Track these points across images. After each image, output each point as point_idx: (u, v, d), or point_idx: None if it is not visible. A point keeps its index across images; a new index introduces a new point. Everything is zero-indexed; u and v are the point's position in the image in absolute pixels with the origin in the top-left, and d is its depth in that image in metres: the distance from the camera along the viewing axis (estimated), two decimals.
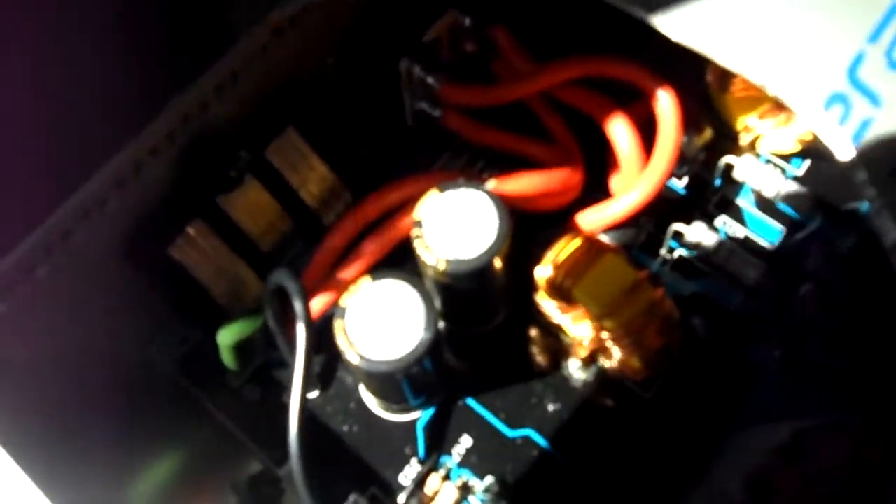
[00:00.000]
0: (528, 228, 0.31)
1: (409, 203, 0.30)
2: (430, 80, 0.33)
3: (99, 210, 0.26)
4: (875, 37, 0.25)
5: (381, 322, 0.26)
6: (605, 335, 0.28)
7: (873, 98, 0.24)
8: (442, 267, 0.27)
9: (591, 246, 0.27)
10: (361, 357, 0.26)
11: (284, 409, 0.30)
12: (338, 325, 0.26)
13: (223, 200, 0.30)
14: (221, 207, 0.30)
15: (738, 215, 0.33)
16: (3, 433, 0.23)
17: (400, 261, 0.30)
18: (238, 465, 0.30)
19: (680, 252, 0.32)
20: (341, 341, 0.26)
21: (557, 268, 0.28)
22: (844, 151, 0.24)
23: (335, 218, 0.33)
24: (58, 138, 0.24)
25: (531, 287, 0.30)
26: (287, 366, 0.31)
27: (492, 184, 0.29)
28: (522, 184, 0.30)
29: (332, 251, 0.31)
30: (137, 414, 0.30)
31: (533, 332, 0.31)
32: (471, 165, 0.35)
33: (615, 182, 0.32)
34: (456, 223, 0.27)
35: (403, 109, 0.34)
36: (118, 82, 0.26)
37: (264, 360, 0.31)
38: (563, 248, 0.28)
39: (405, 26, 0.32)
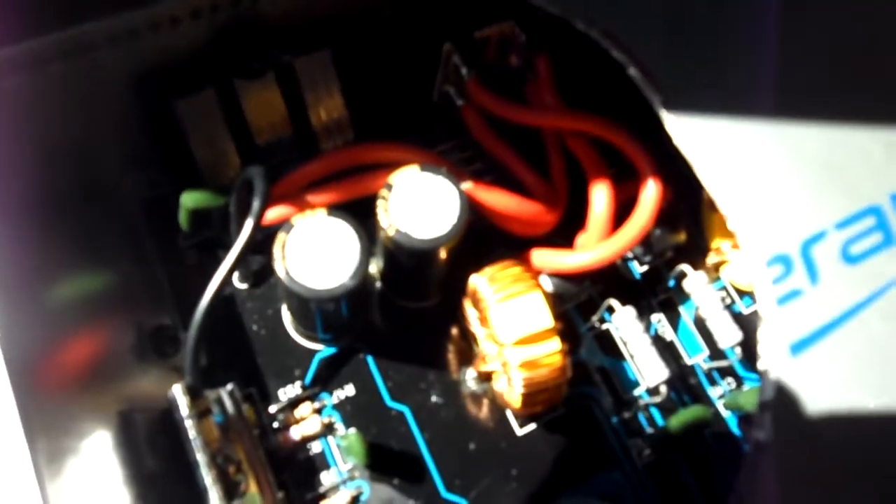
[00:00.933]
0: (492, 239, 0.33)
1: (395, 165, 0.32)
2: (463, 70, 0.34)
3: (128, 39, 0.28)
4: (843, 225, 0.27)
5: (317, 253, 0.28)
6: (503, 361, 0.29)
7: (813, 275, 0.26)
8: (391, 233, 0.28)
9: (526, 277, 0.29)
10: (287, 274, 0.27)
11: (205, 284, 0.33)
12: (280, 237, 0.28)
13: (239, 83, 0.31)
14: (236, 89, 0.31)
15: (674, 321, 0.34)
16: None
17: (363, 215, 0.32)
18: (149, 313, 0.31)
19: (608, 326, 0.34)
20: (276, 253, 0.28)
21: (488, 282, 0.29)
22: (765, 307, 0.25)
23: (331, 147, 0.34)
24: None
25: (463, 291, 0.32)
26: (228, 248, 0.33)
27: (468, 185, 0.31)
28: (496, 199, 0.32)
29: (309, 174, 0.32)
30: (86, 225, 0.32)
31: (451, 329, 0.33)
32: (467, 163, 0.36)
33: (580, 238, 0.33)
34: (420, 202, 0.29)
35: (433, 85, 0.36)
36: None
37: (215, 237, 0.33)
38: (502, 269, 0.29)
39: (465, 14, 0.34)
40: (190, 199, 0.31)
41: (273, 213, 0.31)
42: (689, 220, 0.35)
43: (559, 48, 0.34)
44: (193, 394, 0.27)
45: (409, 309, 0.33)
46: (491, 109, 0.33)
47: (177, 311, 0.32)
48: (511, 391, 0.29)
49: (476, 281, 0.30)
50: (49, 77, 0.28)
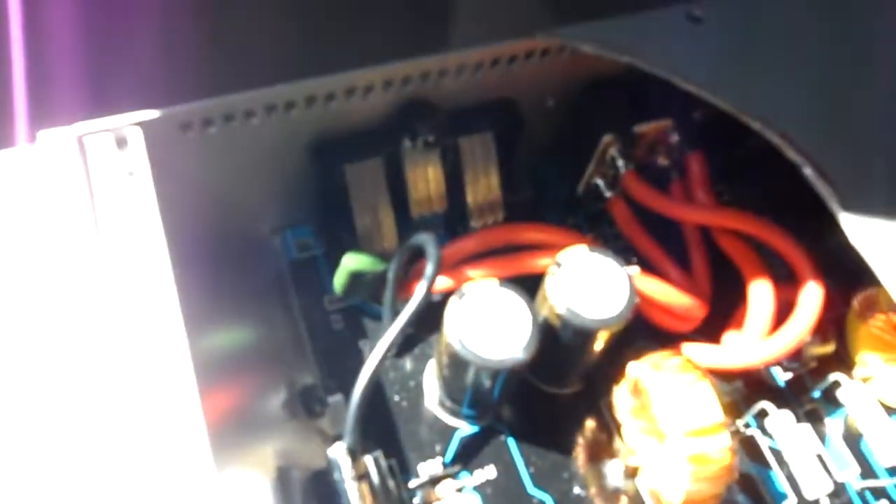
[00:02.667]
0: (633, 329, 0.32)
1: (550, 247, 0.31)
2: (620, 163, 0.34)
3: (323, 102, 0.28)
4: None
5: (488, 322, 0.27)
6: (668, 454, 0.28)
7: None
8: (559, 310, 0.27)
9: (691, 368, 0.28)
10: (459, 341, 0.26)
11: (356, 351, 0.32)
12: (452, 303, 0.27)
13: (408, 155, 0.32)
14: (402, 159, 0.32)
15: (820, 433, 0.32)
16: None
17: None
18: (296, 372, 0.30)
19: (753, 431, 0.32)
20: (448, 319, 0.27)
21: (652, 369, 0.28)
22: None
23: (481, 226, 0.34)
24: (318, 26, 0.26)
25: (613, 378, 0.30)
26: (378, 319, 0.32)
27: (635, 270, 0.30)
28: (654, 287, 0.31)
29: (466, 248, 0.32)
30: (238, 278, 0.31)
31: (591, 419, 0.31)
32: None
33: (730, 335, 0.32)
34: (588, 282, 0.28)
35: (581, 174, 0.36)
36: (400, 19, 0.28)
37: (362, 302, 0.33)
38: (667, 359, 0.28)
39: (628, 108, 0.34)
40: (353, 260, 0.30)
41: (437, 283, 0.30)
42: (834, 329, 0.34)
43: (713, 149, 0.34)
44: (353, 456, 0.26)
45: (549, 394, 0.32)
46: (647, 203, 0.33)
47: (321, 373, 0.31)
48: (671, 488, 0.27)
49: (638, 369, 0.28)
50: (235, 132, 0.28)
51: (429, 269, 0.28)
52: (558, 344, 0.29)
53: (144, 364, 0.22)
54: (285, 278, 0.33)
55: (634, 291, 0.28)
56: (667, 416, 0.27)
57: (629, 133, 0.34)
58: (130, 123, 0.25)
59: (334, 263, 0.31)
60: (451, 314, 0.27)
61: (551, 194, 0.37)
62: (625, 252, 0.36)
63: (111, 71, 0.26)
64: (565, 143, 0.36)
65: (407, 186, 0.32)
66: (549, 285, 0.28)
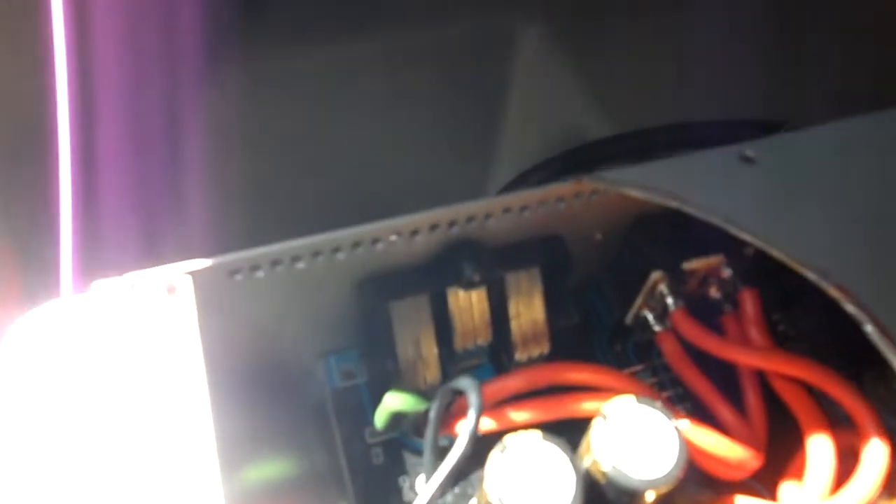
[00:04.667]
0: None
1: (596, 390, 0.30)
2: (669, 299, 0.33)
3: (368, 245, 0.28)
4: None
5: (529, 481, 0.26)
6: None
7: None
8: (605, 468, 0.26)
9: None
10: (499, 500, 0.25)
11: (395, 488, 0.31)
12: (493, 458, 0.26)
13: (453, 293, 0.31)
14: (447, 297, 0.31)
15: None
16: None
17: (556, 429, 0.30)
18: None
19: None
20: (489, 474, 0.26)
21: None
22: None
23: (526, 359, 0.33)
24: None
25: None
26: (419, 454, 0.31)
27: (685, 424, 0.29)
28: (705, 439, 0.29)
29: (509, 387, 0.31)
30: (278, 404, 0.31)
31: None
32: (658, 390, 0.34)
33: (787, 485, 0.30)
34: (634, 437, 0.27)
35: (628, 306, 0.35)
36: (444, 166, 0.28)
37: (402, 435, 0.32)
38: None
39: (677, 244, 0.33)
40: (396, 400, 0.30)
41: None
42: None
43: (769, 286, 0.33)
44: None
45: None
46: (697, 343, 0.32)
47: None
48: None
49: None
50: (281, 275, 0.28)
51: (471, 415, 0.27)
52: (603, 498, 0.27)
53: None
54: (327, 407, 0.33)
55: (685, 449, 0.26)
56: None
57: (678, 269, 0.32)
58: (182, 273, 0.26)
59: (377, 393, 0.31)
60: (492, 470, 0.26)
61: (599, 323, 0.36)
62: (675, 385, 0.35)
63: (160, 221, 0.26)
64: (614, 273, 0.35)
65: (451, 321, 0.32)
66: (594, 440, 0.27)
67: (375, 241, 0.28)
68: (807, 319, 0.36)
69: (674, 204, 0.29)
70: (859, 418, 0.29)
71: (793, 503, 0.29)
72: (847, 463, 0.29)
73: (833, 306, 0.36)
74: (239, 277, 0.27)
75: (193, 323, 0.25)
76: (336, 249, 0.28)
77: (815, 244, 0.28)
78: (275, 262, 0.27)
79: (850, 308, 0.26)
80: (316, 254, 0.28)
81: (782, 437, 0.31)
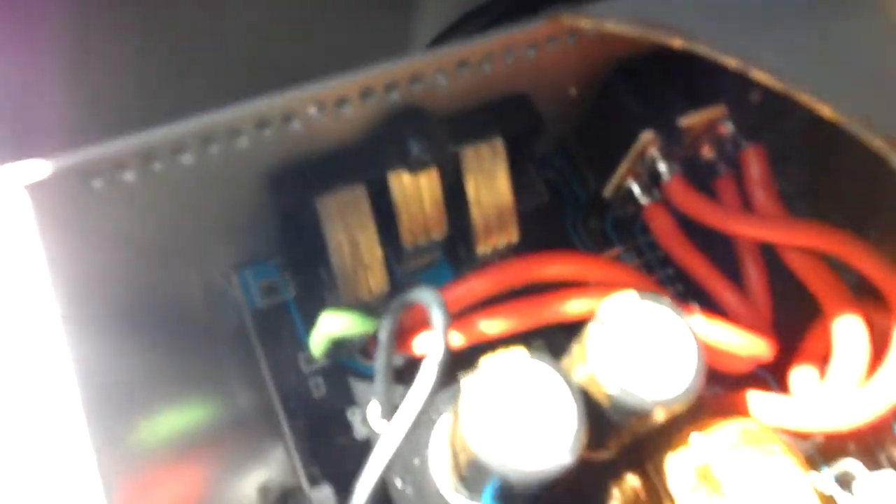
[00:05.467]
0: None
1: (583, 284, 0.25)
2: (662, 166, 0.27)
3: (280, 123, 0.21)
4: None
5: (517, 415, 0.20)
6: None
7: None
8: (610, 391, 0.21)
9: (783, 448, 0.22)
10: (480, 445, 0.20)
11: (345, 425, 0.25)
12: (468, 386, 0.20)
13: (396, 177, 0.24)
14: (390, 184, 0.24)
15: None
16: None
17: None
18: (266, 465, 0.24)
19: (832, 490, 0.26)
20: (464, 412, 0.20)
21: (732, 453, 0.22)
22: None
23: (490, 252, 0.27)
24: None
25: (663, 439, 0.24)
26: (368, 378, 0.25)
27: (699, 321, 0.24)
28: (715, 333, 0.24)
29: (475, 293, 0.25)
30: (187, 340, 0.24)
31: (638, 488, 0.25)
32: (646, 271, 0.29)
33: (799, 373, 0.26)
34: (643, 345, 0.21)
35: (608, 175, 0.29)
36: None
37: (347, 359, 0.26)
38: (746, 434, 0.22)
39: (670, 95, 0.27)
40: (335, 325, 0.23)
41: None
42: None
43: (778, 140, 0.27)
44: None
45: (583, 460, 0.26)
46: (699, 217, 0.26)
47: (300, 458, 0.24)
48: None
49: (709, 449, 0.22)
50: (160, 175, 0.20)
51: (438, 348, 0.21)
52: (601, 417, 0.22)
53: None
54: (247, 334, 0.26)
55: (703, 354, 0.21)
56: None
57: (673, 127, 0.26)
58: (18, 181, 0.18)
59: (310, 309, 0.24)
60: (469, 405, 0.20)
61: (570, 196, 0.30)
62: (664, 266, 0.29)
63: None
64: (588, 136, 0.29)
65: (397, 213, 0.25)
66: (593, 355, 0.21)
67: (288, 117, 0.21)
68: (804, 175, 0.31)
69: (677, 43, 0.22)
70: (891, 291, 0.24)
71: (821, 396, 0.25)
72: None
73: (834, 160, 0.31)
74: (99, 183, 0.19)
75: (36, 245, 0.18)
76: (234, 133, 0.20)
77: (855, 89, 0.22)
78: (147, 158, 0.19)
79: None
80: (206, 141, 0.20)
81: (782, 318, 0.26)
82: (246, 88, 0.19)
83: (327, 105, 0.21)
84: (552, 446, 0.20)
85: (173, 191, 0.21)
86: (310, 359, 0.26)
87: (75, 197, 0.19)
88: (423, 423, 0.26)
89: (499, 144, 0.25)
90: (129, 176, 0.19)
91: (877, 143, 0.21)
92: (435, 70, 0.21)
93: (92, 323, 0.20)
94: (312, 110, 0.21)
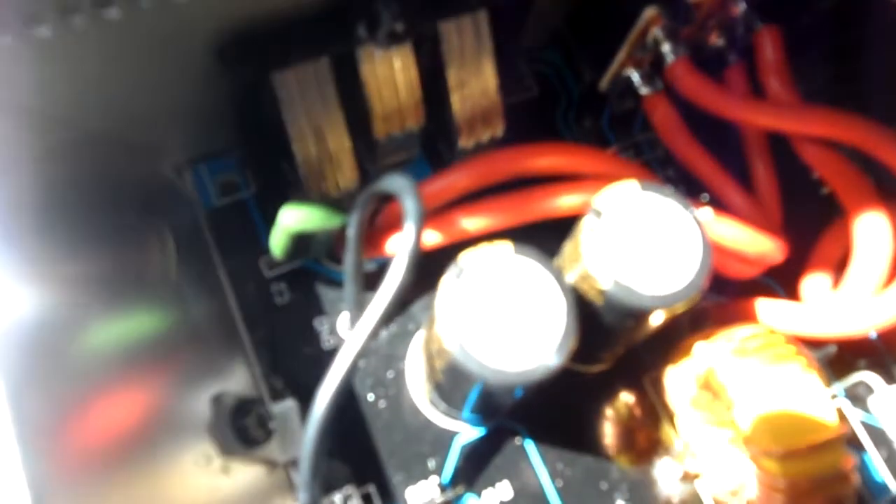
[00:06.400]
0: None
1: (577, 179, 0.22)
2: (666, 47, 0.24)
3: None
4: None
5: (502, 314, 0.18)
6: (749, 473, 0.20)
7: None
8: (604, 286, 0.18)
9: (791, 352, 0.19)
10: (461, 348, 0.17)
11: (309, 334, 0.23)
12: (446, 282, 0.18)
13: (366, 54, 0.21)
14: (358, 61, 0.21)
15: None
16: None
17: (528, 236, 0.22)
18: (224, 377, 0.21)
19: (841, 402, 0.24)
20: (441, 312, 0.18)
21: (736, 355, 0.19)
22: None
23: (472, 146, 0.24)
24: None
25: (659, 347, 0.22)
26: (337, 284, 0.23)
27: (708, 215, 0.21)
28: (725, 232, 0.22)
29: (456, 186, 0.22)
30: (133, 243, 0.22)
31: (636, 402, 0.23)
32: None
33: (813, 280, 0.23)
34: (643, 239, 0.19)
35: (606, 65, 0.26)
36: None
37: (311, 261, 0.23)
38: (754, 339, 0.20)
39: None
40: (295, 219, 0.21)
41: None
42: None
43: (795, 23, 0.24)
44: None
45: (573, 373, 0.24)
46: (706, 104, 0.23)
47: (261, 370, 0.22)
48: None
49: (714, 356, 0.20)
50: (102, 27, 0.17)
51: (408, 236, 0.18)
52: (595, 322, 0.20)
53: None
54: (202, 236, 0.23)
55: (709, 251, 0.19)
56: (762, 428, 0.19)
57: (680, 3, 0.23)
58: None
59: (272, 209, 0.22)
60: (446, 304, 0.18)
61: (563, 93, 0.27)
62: (665, 166, 0.27)
63: None
64: (584, 20, 0.26)
65: (367, 97, 0.22)
66: (586, 247, 0.19)
67: None
68: (827, 66, 0.28)
69: None
70: None
71: (837, 300, 0.22)
72: None
73: (856, 53, 0.28)
74: (7, 39, 0.16)
75: None
76: None
77: None
78: (65, 9, 0.16)
79: None
80: None
81: (792, 222, 0.24)
82: None
83: None
84: (537, 347, 0.18)
85: (99, 54, 0.18)
86: (272, 263, 0.23)
87: None
88: (398, 335, 0.23)
89: (483, 19, 0.22)
90: (43, 30, 0.16)
91: None
92: None
93: (18, 218, 0.17)
94: None
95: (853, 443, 0.24)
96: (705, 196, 0.24)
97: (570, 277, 0.20)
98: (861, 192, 0.22)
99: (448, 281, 0.18)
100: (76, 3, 0.16)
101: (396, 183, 0.19)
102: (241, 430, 0.20)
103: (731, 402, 0.19)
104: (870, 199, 0.22)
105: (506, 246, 0.18)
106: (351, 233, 0.21)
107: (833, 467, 0.18)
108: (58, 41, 0.17)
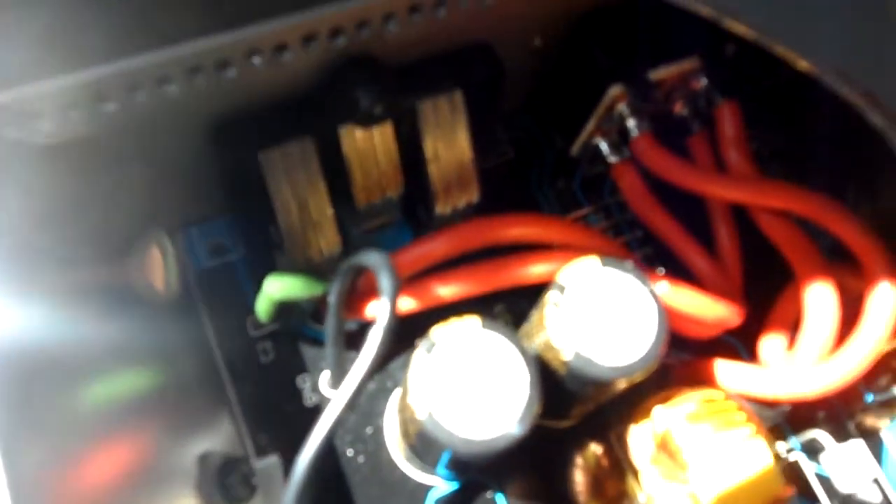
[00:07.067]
0: None
1: (544, 247, 0.23)
2: (631, 122, 0.25)
3: (214, 70, 0.19)
4: None
5: (468, 385, 0.19)
6: None
7: None
8: (566, 357, 0.20)
9: (742, 419, 0.21)
10: (430, 416, 0.19)
11: (293, 392, 0.24)
12: (417, 358, 0.19)
13: (347, 132, 0.23)
14: (340, 138, 0.23)
15: (876, 450, 0.26)
16: None
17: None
18: (209, 434, 0.22)
19: (796, 456, 0.25)
20: (413, 382, 0.19)
21: (689, 422, 0.21)
22: None
23: (449, 213, 0.25)
24: None
25: (626, 409, 0.24)
26: (319, 343, 0.24)
27: (664, 288, 0.23)
28: (681, 299, 0.23)
29: (431, 255, 0.23)
30: (125, 303, 0.23)
31: (602, 455, 0.25)
32: (614, 235, 0.28)
33: (770, 346, 0.25)
34: (604, 313, 0.20)
35: (575, 133, 0.27)
36: None
37: (296, 323, 0.25)
38: (707, 403, 0.21)
39: (639, 46, 0.25)
40: (278, 289, 0.22)
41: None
42: None
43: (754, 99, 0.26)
44: None
45: (542, 428, 0.25)
46: (668, 177, 0.25)
47: (247, 426, 0.23)
48: None
49: (669, 421, 0.21)
50: (93, 118, 0.19)
51: (384, 314, 0.19)
52: (561, 386, 0.21)
53: None
54: (192, 295, 0.25)
55: (665, 322, 0.20)
56: (712, 490, 0.20)
57: (643, 81, 0.25)
58: None
59: (259, 270, 0.23)
60: (418, 376, 0.19)
61: (536, 157, 0.29)
62: (633, 228, 0.28)
63: None
64: (555, 92, 0.27)
65: (349, 169, 0.23)
66: (550, 321, 0.20)
67: (223, 64, 0.19)
68: (779, 136, 0.30)
69: None
70: (866, 255, 0.23)
71: (788, 365, 0.24)
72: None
73: (810, 118, 0.30)
74: (12, 132, 0.18)
75: None
76: (163, 80, 0.18)
77: (833, 41, 0.21)
78: (70, 105, 0.18)
79: (878, 119, 0.20)
80: (133, 88, 0.18)
81: (753, 283, 0.26)
82: (178, 26, 0.17)
83: (264, 52, 0.19)
84: (502, 417, 0.19)
85: (99, 143, 0.19)
86: (258, 323, 0.25)
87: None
88: (376, 393, 0.25)
89: (458, 97, 0.24)
90: (42, 124, 0.18)
91: (855, 98, 0.20)
92: (382, 14, 0.20)
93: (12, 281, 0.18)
94: (248, 57, 0.19)
95: (808, 494, 0.25)
96: (661, 270, 0.25)
97: (536, 345, 0.21)
98: (808, 258, 0.24)
99: (419, 355, 0.19)
100: (75, 101, 0.18)
101: (373, 259, 0.20)
102: (227, 487, 0.21)
103: (685, 463, 0.21)
104: (816, 266, 0.23)
105: (475, 320, 0.20)
106: (332, 300, 0.22)
107: None
108: (60, 133, 0.18)
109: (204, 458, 0.21)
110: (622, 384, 0.21)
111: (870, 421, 0.26)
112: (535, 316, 0.21)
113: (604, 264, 0.21)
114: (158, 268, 0.24)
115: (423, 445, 0.21)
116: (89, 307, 0.21)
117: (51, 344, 0.19)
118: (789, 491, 0.20)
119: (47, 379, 0.18)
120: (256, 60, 0.19)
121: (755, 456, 0.20)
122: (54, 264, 0.20)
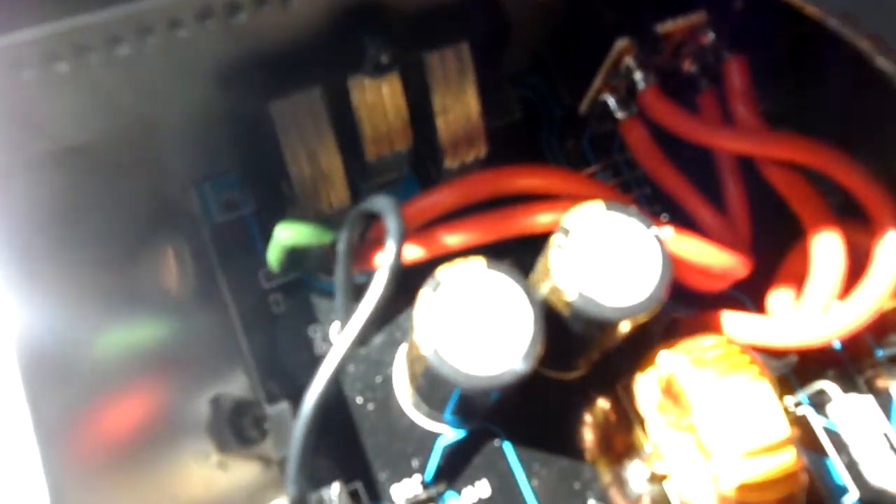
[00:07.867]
0: None
1: (551, 198, 0.24)
2: (638, 75, 0.25)
3: (224, 15, 0.19)
4: None
5: (474, 323, 0.19)
6: (708, 473, 0.21)
7: None
8: (569, 297, 0.20)
9: (745, 361, 0.21)
10: (435, 353, 0.19)
11: (303, 341, 0.24)
12: (423, 298, 0.20)
13: (356, 82, 0.23)
14: (349, 89, 0.23)
15: (885, 405, 0.26)
16: None
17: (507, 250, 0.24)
18: (223, 380, 0.23)
19: (805, 411, 0.25)
20: (418, 321, 0.19)
21: (693, 365, 0.21)
22: None
23: (457, 166, 0.26)
24: None
25: (631, 356, 0.24)
26: (331, 296, 0.25)
27: (669, 232, 0.23)
28: (687, 246, 0.23)
29: (439, 205, 0.24)
30: (141, 256, 0.24)
31: (609, 408, 0.25)
32: (624, 191, 0.28)
33: (778, 294, 0.25)
34: (606, 254, 0.20)
35: (584, 90, 0.27)
36: None
37: (306, 275, 0.25)
38: (712, 348, 0.21)
39: (644, 2, 0.25)
40: (290, 234, 0.22)
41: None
42: None
43: (761, 51, 0.26)
44: None
45: (551, 379, 0.25)
46: (675, 129, 0.25)
47: (258, 375, 0.24)
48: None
49: (673, 362, 0.21)
50: (106, 63, 0.19)
51: (390, 252, 0.20)
52: (567, 332, 0.22)
53: None
54: (206, 250, 0.25)
55: (669, 265, 0.20)
56: (715, 431, 0.20)
57: (650, 34, 0.25)
58: None
59: (270, 225, 0.24)
60: (423, 314, 0.19)
61: (546, 115, 0.29)
62: (641, 185, 0.28)
63: None
64: (562, 48, 0.28)
65: (358, 122, 0.24)
66: (554, 262, 0.20)
67: (233, 8, 0.19)
68: (791, 92, 0.30)
69: None
70: (875, 210, 0.23)
71: (790, 313, 0.24)
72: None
73: (820, 77, 0.29)
74: (29, 74, 0.18)
75: None
76: (175, 23, 0.19)
77: None
78: (82, 48, 0.18)
79: (884, 63, 0.20)
80: (144, 30, 0.19)
81: (765, 239, 0.26)
82: None
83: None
84: (506, 353, 0.19)
85: (112, 88, 0.20)
86: (270, 275, 0.25)
87: (2, 90, 0.18)
88: (385, 343, 0.25)
89: (465, 50, 0.24)
90: (62, 67, 0.18)
91: (861, 42, 0.20)
92: None
93: (30, 236, 0.19)
94: (258, 3, 0.19)
95: (816, 447, 0.25)
96: (665, 216, 0.26)
97: (542, 290, 0.21)
98: (816, 210, 0.24)
99: (425, 293, 0.20)
100: (91, 43, 0.18)
101: (380, 203, 0.21)
102: (238, 429, 0.22)
103: (689, 405, 0.21)
104: (825, 218, 0.23)
105: (479, 261, 0.20)
106: (341, 248, 0.22)
107: (786, 468, 0.20)
108: (75, 76, 0.19)
109: (216, 400, 0.22)
110: (626, 326, 0.21)
111: (880, 376, 0.26)
112: (540, 262, 0.22)
113: (608, 208, 0.21)
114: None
115: (429, 385, 0.21)
116: (110, 262, 0.22)
117: (74, 298, 0.20)
118: (795, 433, 0.20)
119: (71, 333, 0.19)
120: (266, 6, 0.20)
121: (759, 397, 0.20)
122: (77, 223, 0.20)
